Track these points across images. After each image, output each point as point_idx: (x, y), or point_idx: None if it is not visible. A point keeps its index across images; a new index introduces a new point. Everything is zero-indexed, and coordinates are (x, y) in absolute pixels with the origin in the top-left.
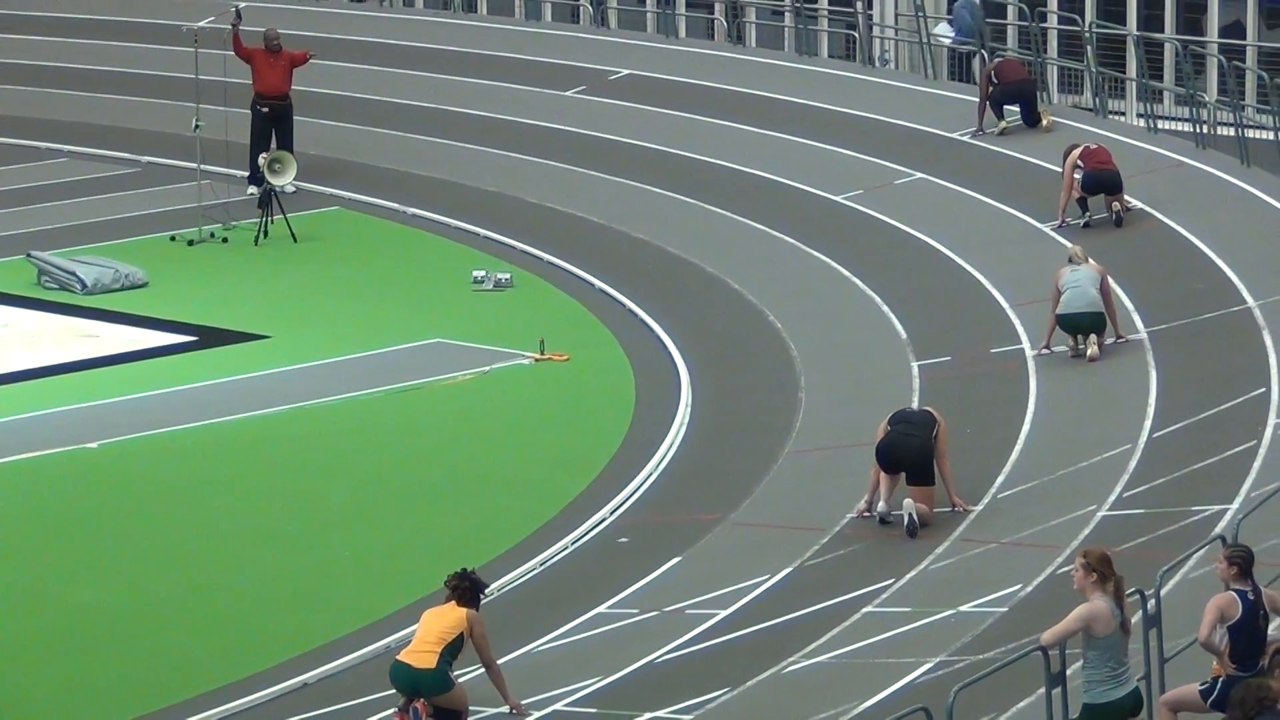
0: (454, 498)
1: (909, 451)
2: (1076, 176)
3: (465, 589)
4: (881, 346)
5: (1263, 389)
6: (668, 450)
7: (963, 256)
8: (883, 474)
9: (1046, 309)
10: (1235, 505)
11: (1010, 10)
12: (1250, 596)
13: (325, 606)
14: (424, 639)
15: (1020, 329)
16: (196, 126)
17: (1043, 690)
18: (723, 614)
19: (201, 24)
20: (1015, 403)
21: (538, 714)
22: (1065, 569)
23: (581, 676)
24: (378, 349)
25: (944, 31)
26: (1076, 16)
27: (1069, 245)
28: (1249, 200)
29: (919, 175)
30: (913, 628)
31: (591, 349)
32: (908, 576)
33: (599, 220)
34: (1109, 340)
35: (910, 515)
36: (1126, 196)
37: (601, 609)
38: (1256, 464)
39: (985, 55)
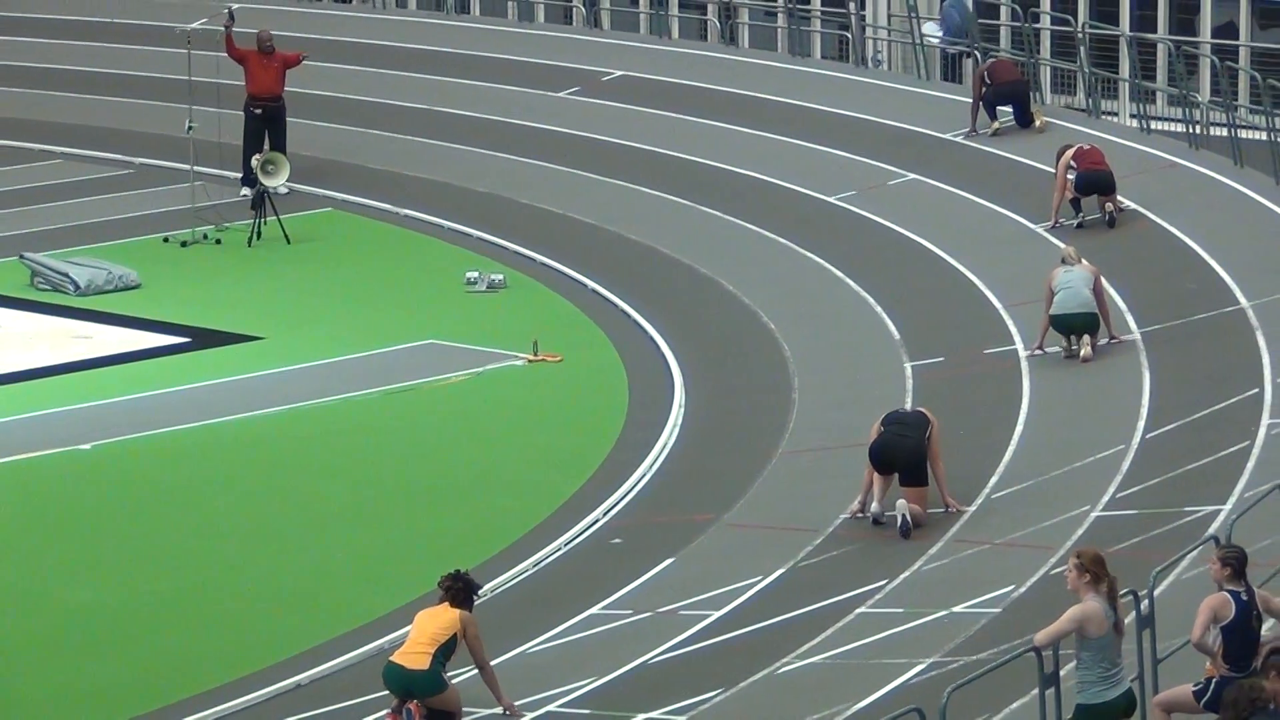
0: (447, 499)
1: (902, 452)
2: (1070, 177)
3: (458, 590)
4: (875, 347)
5: (1256, 389)
6: (661, 451)
7: (956, 257)
8: (876, 475)
9: (1040, 310)
10: (1229, 506)
11: (1003, 11)
12: (1244, 597)
13: (319, 607)
14: (417, 640)
15: (1013, 329)
16: (190, 128)
17: (1036, 691)
18: (716, 615)
19: (194, 25)
20: (1008, 403)
21: (531, 715)
22: (1059, 570)
23: (575, 677)
24: (371, 350)
25: (931, 31)
26: (1069, 17)
27: (1062, 246)
28: (1242, 201)
29: (912, 176)
30: (906, 628)
31: (585, 350)
32: (901, 577)
33: (592, 221)
34: (1102, 341)
35: (904, 516)
36: (1120, 197)
37: (595, 610)
38: (1250, 464)
39: (978, 56)
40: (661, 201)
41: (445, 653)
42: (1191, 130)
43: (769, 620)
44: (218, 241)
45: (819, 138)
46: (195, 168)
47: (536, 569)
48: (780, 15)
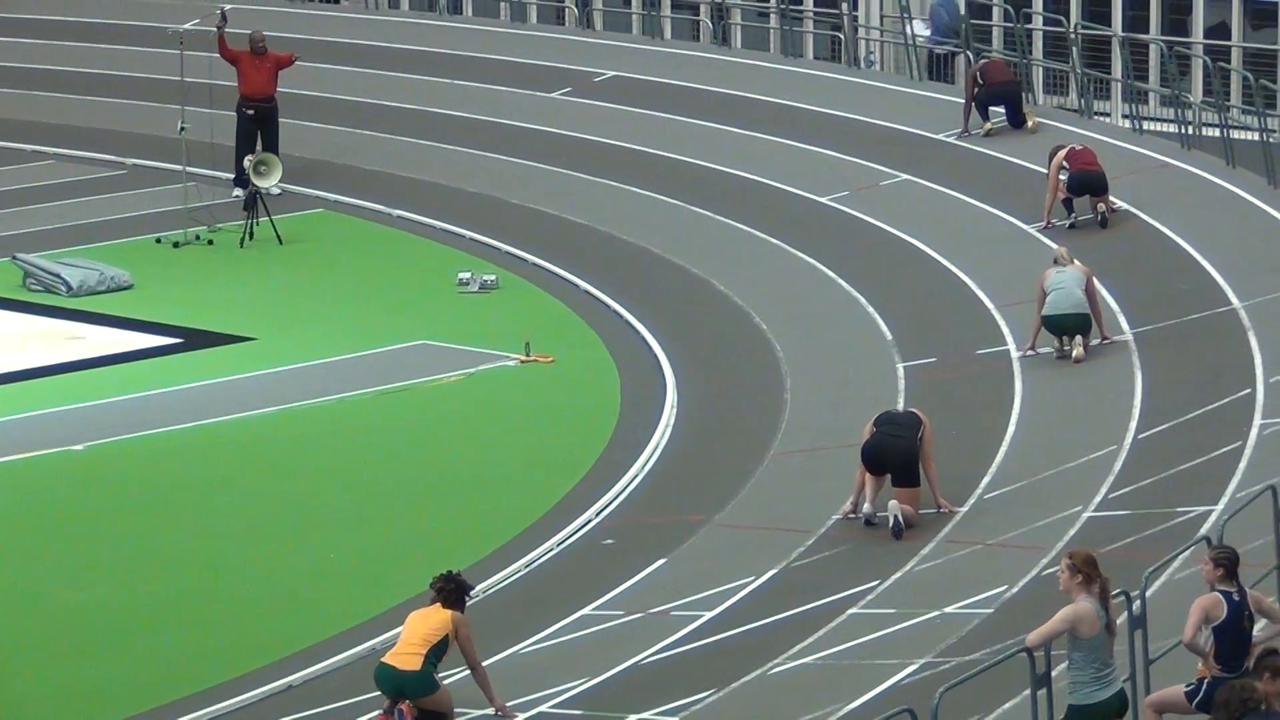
0: (439, 499)
1: (894, 453)
2: (1062, 178)
3: (450, 591)
4: (867, 348)
5: (1248, 390)
6: (653, 452)
7: (948, 258)
8: (868, 475)
9: (1032, 310)
10: (1220, 506)
11: (995, 11)
12: (1235, 598)
13: (311, 608)
14: (409, 641)
15: (1006, 330)
16: (182, 129)
17: (1028, 692)
18: (709, 615)
19: (186, 26)
20: (1000, 404)
21: (523, 716)
22: (1051, 570)
23: (567, 678)
24: (363, 351)
25: (919, 30)
26: (1061, 18)
27: (1054, 246)
28: (1234, 201)
29: (904, 176)
30: (898, 629)
31: (577, 350)
32: (893, 578)
33: (584, 222)
34: (1094, 341)
35: (895, 517)
36: (1112, 197)
37: (587, 610)
38: (1242, 465)
39: (970, 56)
40: (654, 202)
41: (437, 653)
42: (1184, 131)
43: (761, 621)
44: (210, 242)
45: (811, 138)
46: (188, 168)
47: (528, 569)
48: (773, 16)
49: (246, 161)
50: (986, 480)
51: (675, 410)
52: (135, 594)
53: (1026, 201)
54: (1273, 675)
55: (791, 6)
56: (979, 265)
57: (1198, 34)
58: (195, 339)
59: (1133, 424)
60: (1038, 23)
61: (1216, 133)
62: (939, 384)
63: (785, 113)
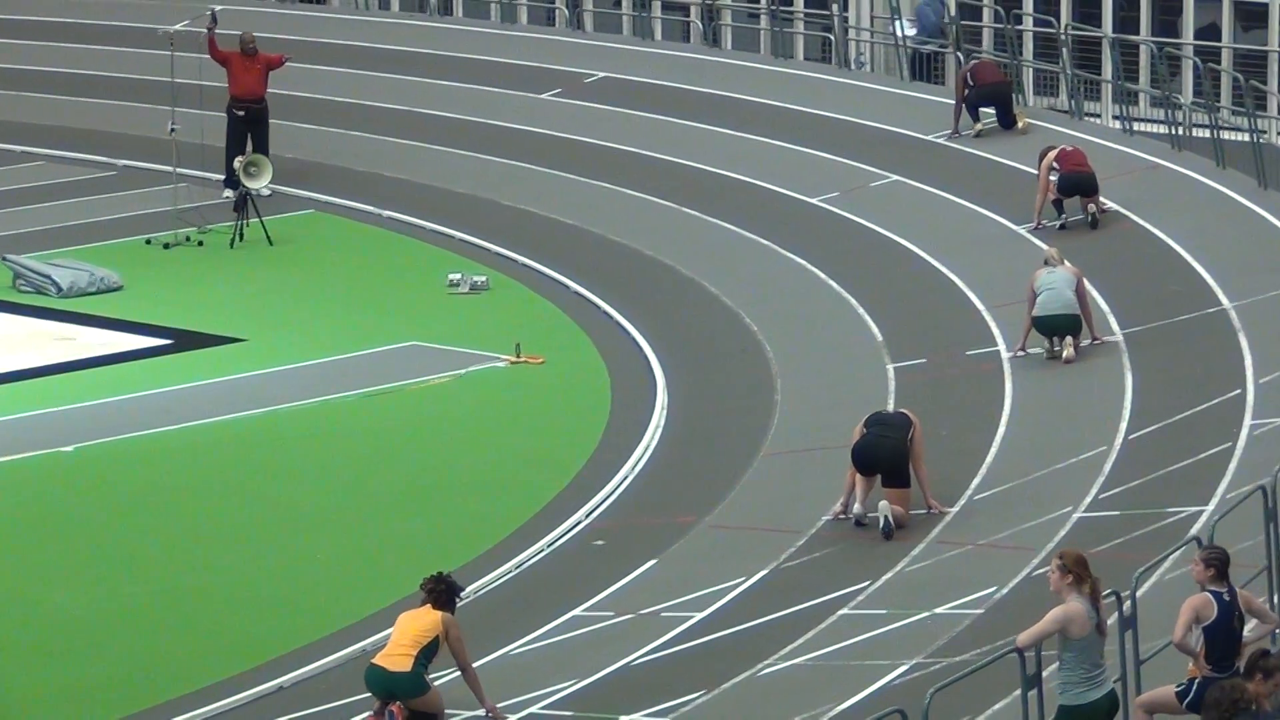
0: (429, 501)
1: (885, 453)
2: (1052, 178)
3: (441, 592)
4: (857, 348)
5: (1238, 390)
6: (643, 453)
7: (938, 258)
8: (858, 476)
9: (1022, 311)
10: (1211, 507)
11: (986, 12)
12: (1226, 598)
13: (301, 610)
14: (399, 642)
15: (996, 331)
16: (172, 130)
17: (1019, 692)
18: (699, 616)
19: (177, 27)
20: (991, 405)
21: (514, 717)
22: (1041, 571)
23: (558, 679)
24: (353, 352)
25: (905, 29)
26: (1052, 19)
27: (1045, 247)
28: (1224, 202)
29: (895, 177)
30: (889, 630)
31: (567, 351)
32: (884, 579)
33: (575, 223)
34: (1085, 342)
35: (886, 517)
36: (1102, 198)
37: (578, 611)
38: (1232, 465)
39: (961, 57)
40: (644, 203)
41: (427, 655)
42: (1174, 132)
43: (752, 622)
44: (200, 243)
45: (802, 139)
46: (178, 170)
47: (519, 571)
48: (763, 17)
49: (237, 163)
50: (977, 481)
51: (665, 411)
52: (125, 595)
53: (1017, 202)
54: (1265, 676)
55: (782, 7)
56: (969, 266)
57: (1188, 35)
58: (185, 340)
59: (1123, 425)
60: (1028, 24)
61: (1207, 134)
62: (929, 385)
63: (776, 113)
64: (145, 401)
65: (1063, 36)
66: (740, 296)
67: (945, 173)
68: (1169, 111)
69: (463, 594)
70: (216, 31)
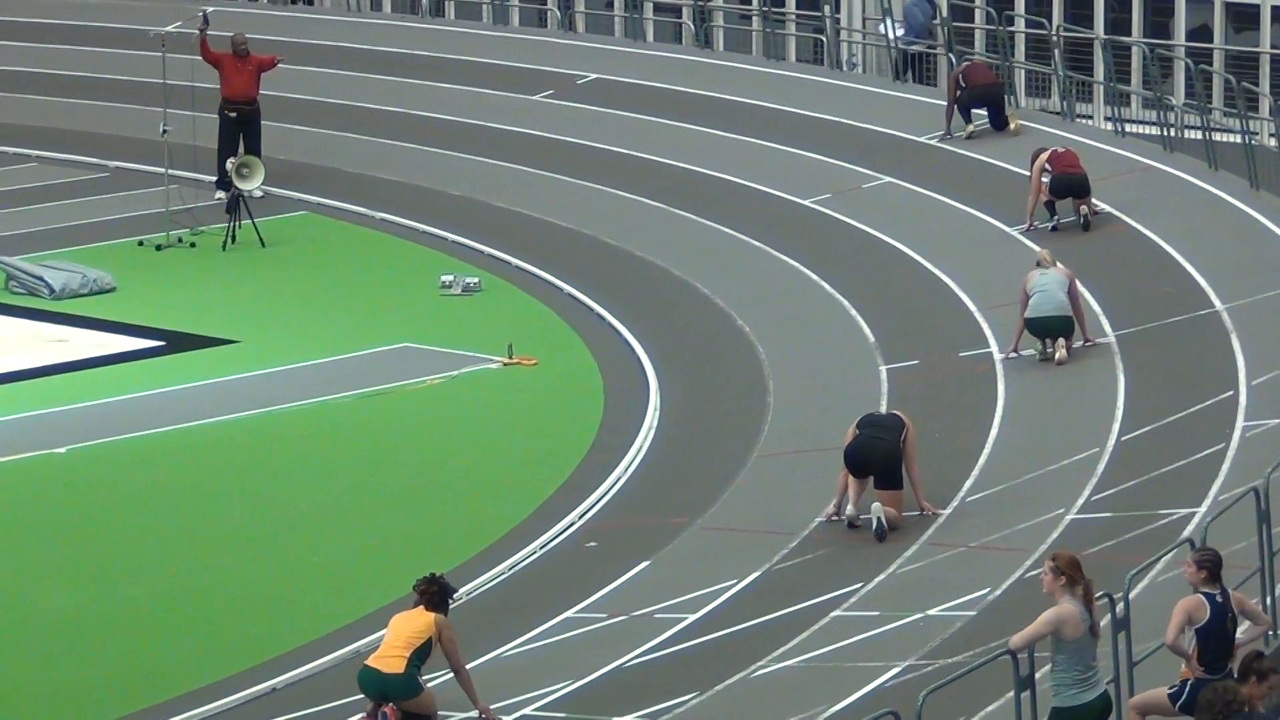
0: (422, 502)
1: (877, 455)
2: (1044, 180)
3: (434, 594)
4: (849, 350)
5: (1230, 392)
6: (636, 454)
7: (931, 260)
8: (851, 478)
9: (1015, 312)
10: (1203, 509)
11: (978, 14)
12: (1218, 600)
13: (294, 611)
14: (392, 644)
15: (988, 332)
16: (164, 131)
17: (1012, 694)
18: (691, 618)
19: (169, 29)
20: (983, 406)
21: (507, 718)
22: (1034, 573)
23: (550, 681)
24: (346, 353)
25: (892, 30)
26: (1044, 20)
27: (1037, 249)
28: (1217, 203)
29: (887, 179)
30: (881, 631)
31: (560, 353)
32: (876, 580)
33: (567, 224)
34: (1077, 344)
35: (878, 519)
36: (1094, 200)
37: (570, 613)
38: (1224, 467)
39: (953, 59)
40: (636, 205)
41: (420, 656)
42: (1166, 133)
43: (745, 623)
44: (192, 245)
45: (794, 141)
46: (170, 171)
47: (512, 572)
48: (755, 19)
49: (229, 164)
50: (969, 483)
51: (658, 413)
52: (118, 597)
53: (1009, 204)
54: (1259, 678)
55: (774, 9)
56: (961, 267)
57: (1180, 36)
58: (178, 342)
59: (1115, 426)
60: (1020, 25)
61: (1199, 135)
62: (922, 386)
63: (768, 115)
64: (138, 403)
65: (1054, 38)
66: (733, 298)
67: (937, 174)
68: (1161, 113)
69: (456, 595)
70: (208, 33)
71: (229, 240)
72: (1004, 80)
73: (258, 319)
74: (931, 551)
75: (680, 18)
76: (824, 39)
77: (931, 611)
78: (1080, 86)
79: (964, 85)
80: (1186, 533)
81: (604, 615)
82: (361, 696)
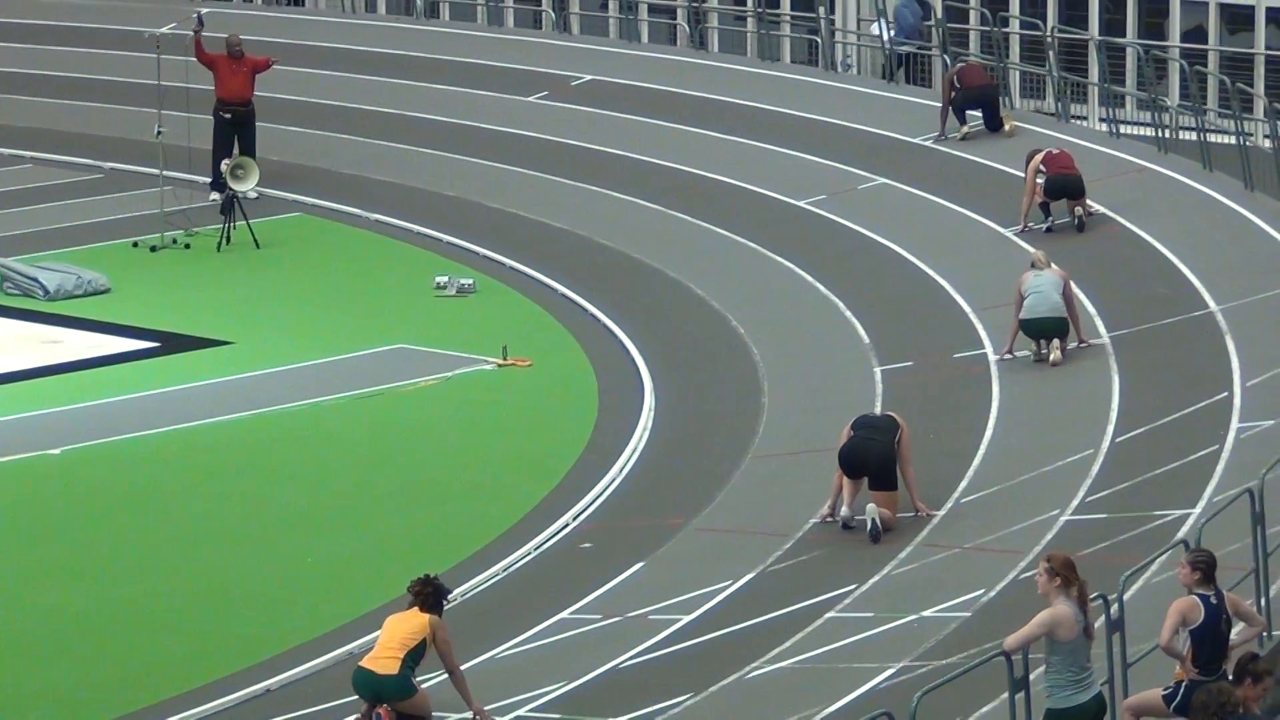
0: (417, 503)
1: (872, 456)
2: (1039, 181)
3: (428, 595)
4: (844, 351)
5: (1225, 393)
6: (631, 456)
7: (925, 261)
8: (845, 479)
9: (1009, 314)
10: (1198, 510)
11: (972, 15)
12: (1213, 601)
13: (288, 612)
14: (386, 645)
15: (983, 334)
16: (159, 132)
17: (1006, 695)
18: (686, 619)
19: (163, 30)
20: (978, 408)
21: None
22: (1028, 574)
23: (545, 682)
24: (340, 355)
25: (881, 30)
26: (1038, 21)
27: (1032, 250)
28: (1211, 204)
29: (882, 180)
30: (876, 633)
31: (554, 354)
32: (871, 581)
33: (562, 225)
34: (1072, 345)
35: (873, 520)
36: (1089, 201)
37: (565, 614)
38: (1219, 468)
39: (947, 60)
40: (631, 206)
41: (415, 657)
42: (1160, 134)
43: (739, 624)
44: (187, 246)
45: (789, 142)
46: (164, 172)
47: (507, 573)
48: (750, 20)
49: (223, 165)
50: (964, 484)
51: (653, 414)
52: (112, 598)
53: (1004, 205)
54: (1254, 680)
55: (768, 11)
56: (956, 269)
57: (1175, 38)
58: (172, 343)
59: (1110, 427)
60: (1014, 26)
61: (1193, 136)
62: (916, 387)
63: (762, 116)
64: (132, 404)
65: (1049, 39)
66: (727, 299)
67: (932, 176)
68: (1155, 114)
69: (450, 596)
70: (203, 34)
71: (223, 241)
72: (999, 81)
73: (252, 320)
74: (926, 553)
75: (675, 19)
76: (819, 40)
77: (926, 613)
78: (1075, 88)
79: (959, 86)
80: (1181, 534)
81: (599, 616)
82: (356, 698)
